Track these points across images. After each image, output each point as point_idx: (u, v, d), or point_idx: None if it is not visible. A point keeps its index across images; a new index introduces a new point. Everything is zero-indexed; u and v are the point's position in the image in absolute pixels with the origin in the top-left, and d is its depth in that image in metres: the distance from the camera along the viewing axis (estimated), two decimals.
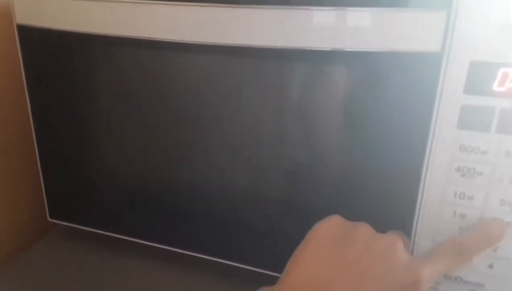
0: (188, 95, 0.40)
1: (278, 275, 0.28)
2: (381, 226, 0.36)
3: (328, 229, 0.30)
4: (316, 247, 0.29)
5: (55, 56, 0.43)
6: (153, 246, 0.48)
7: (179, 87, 0.41)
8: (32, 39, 0.43)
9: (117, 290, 0.46)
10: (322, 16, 0.32)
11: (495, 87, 0.30)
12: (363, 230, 0.29)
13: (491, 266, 0.35)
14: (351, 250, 0.28)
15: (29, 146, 0.50)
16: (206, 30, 0.36)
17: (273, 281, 0.28)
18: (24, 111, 0.48)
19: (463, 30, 0.30)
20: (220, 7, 0.35)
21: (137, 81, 0.42)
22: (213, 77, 0.39)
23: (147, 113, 0.42)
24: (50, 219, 0.52)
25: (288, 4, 0.33)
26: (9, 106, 0.49)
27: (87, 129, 0.45)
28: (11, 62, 0.48)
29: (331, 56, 0.33)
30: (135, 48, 0.40)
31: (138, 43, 0.39)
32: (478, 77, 0.30)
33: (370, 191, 0.36)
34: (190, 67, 0.39)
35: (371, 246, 0.28)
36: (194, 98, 0.40)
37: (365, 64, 0.33)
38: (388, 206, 0.36)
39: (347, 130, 0.36)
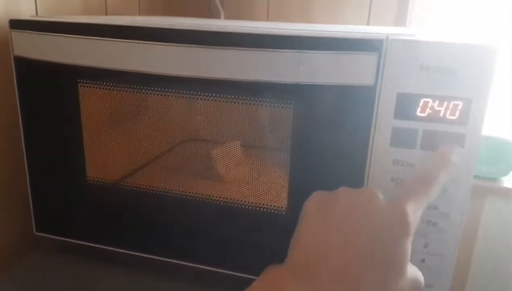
0: (167, 118, 0.47)
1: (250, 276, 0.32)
2: None
3: (312, 202, 0.33)
4: (308, 220, 0.32)
5: (47, 85, 0.48)
6: (140, 256, 0.51)
7: (161, 111, 0.47)
8: (27, 69, 0.48)
9: None
10: (285, 56, 0.40)
11: (418, 113, 0.38)
12: (342, 191, 0.32)
13: (423, 261, 0.42)
14: (338, 210, 0.31)
15: (18, 162, 0.53)
16: (185, 65, 0.43)
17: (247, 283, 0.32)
18: (15, 129, 0.52)
19: (391, 69, 0.37)
20: (204, 48, 0.42)
21: (120, 106, 0.47)
22: (189, 103, 0.45)
23: (133, 133, 0.48)
24: (36, 233, 0.55)
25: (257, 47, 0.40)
26: (1, 125, 0.53)
27: (75, 147, 0.50)
28: (6, 89, 0.52)
29: (292, 88, 0.40)
30: (121, 78, 0.46)
31: (124, 74, 0.45)
32: (404, 105, 0.38)
33: None
34: (171, 96, 0.45)
35: (353, 201, 0.31)
36: (173, 122, 0.46)
37: (316, 95, 0.40)
38: None
39: (304, 147, 0.42)
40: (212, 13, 0.90)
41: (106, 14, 0.71)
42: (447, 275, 0.42)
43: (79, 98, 0.48)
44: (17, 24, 0.47)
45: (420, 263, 0.42)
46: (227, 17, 0.88)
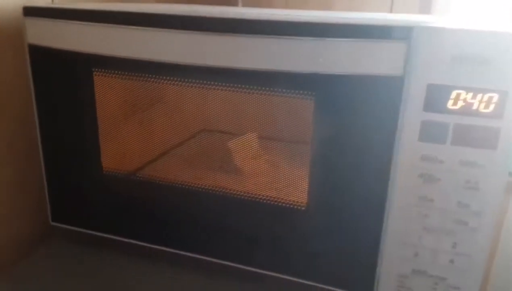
0: (183, 109, 0.45)
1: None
2: (354, 225, 0.41)
3: None
4: None
5: (62, 74, 0.47)
6: (155, 248, 0.51)
7: (177, 101, 0.45)
8: (42, 57, 0.47)
9: None
10: (307, 44, 0.38)
11: (449, 106, 0.35)
12: None
13: (452, 261, 0.40)
14: None
15: (33, 152, 0.53)
16: (202, 54, 0.41)
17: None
18: (30, 119, 0.51)
19: (421, 58, 0.35)
20: (222, 36, 0.40)
21: (136, 96, 0.46)
22: (205, 93, 0.44)
23: (149, 123, 0.47)
24: (52, 223, 0.55)
25: (273, 34, 0.38)
26: (16, 114, 0.53)
27: (90, 136, 0.49)
28: (22, 78, 0.51)
29: (313, 78, 0.38)
30: (137, 67, 0.44)
31: (140, 63, 0.44)
32: (435, 97, 0.35)
33: (345, 194, 0.41)
34: (187, 86, 0.44)
35: None
36: (189, 112, 0.45)
37: (339, 85, 0.38)
38: (360, 208, 0.40)
39: (326, 140, 0.40)
40: (229, 0, 0.88)
41: (122, 1, 0.70)
42: (477, 277, 0.40)
43: (94, 87, 0.47)
44: (31, 11, 0.46)
45: (449, 264, 0.40)
46: (245, 4, 0.86)
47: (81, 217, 0.54)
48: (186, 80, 0.43)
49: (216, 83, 0.42)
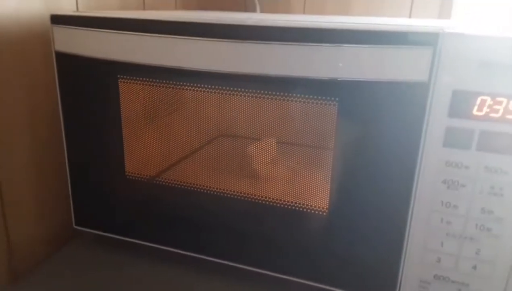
0: (204, 114, 0.46)
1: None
2: (376, 231, 0.41)
3: None
4: None
5: (88, 80, 0.48)
6: (176, 252, 0.51)
7: (198, 106, 0.46)
8: (68, 64, 0.49)
9: None
10: (327, 51, 0.38)
11: (475, 111, 0.35)
12: None
13: (474, 268, 0.40)
14: None
15: (61, 156, 0.54)
16: (224, 61, 0.42)
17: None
18: (56, 125, 0.52)
19: (446, 64, 0.35)
20: (243, 43, 0.41)
21: (159, 102, 0.47)
22: (227, 99, 0.44)
23: (171, 128, 0.48)
24: (75, 226, 0.56)
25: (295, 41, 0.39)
26: (44, 121, 0.54)
27: (114, 142, 0.50)
28: (49, 85, 0.53)
29: (338, 84, 0.39)
30: (161, 74, 0.45)
31: (163, 70, 0.45)
32: (460, 103, 0.35)
33: (368, 199, 0.41)
34: (209, 92, 0.44)
35: None
36: (211, 117, 0.46)
37: (364, 91, 0.38)
38: (383, 214, 0.41)
39: (349, 145, 0.41)
40: (247, 7, 0.89)
41: (144, 9, 0.71)
42: (500, 283, 0.39)
43: (119, 93, 0.48)
44: (58, 19, 0.47)
45: (472, 270, 0.39)
46: (262, 11, 0.87)
47: (103, 221, 0.54)
48: (207, 86, 0.44)
49: (236, 89, 0.43)
